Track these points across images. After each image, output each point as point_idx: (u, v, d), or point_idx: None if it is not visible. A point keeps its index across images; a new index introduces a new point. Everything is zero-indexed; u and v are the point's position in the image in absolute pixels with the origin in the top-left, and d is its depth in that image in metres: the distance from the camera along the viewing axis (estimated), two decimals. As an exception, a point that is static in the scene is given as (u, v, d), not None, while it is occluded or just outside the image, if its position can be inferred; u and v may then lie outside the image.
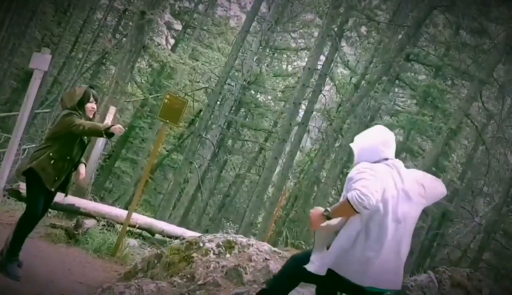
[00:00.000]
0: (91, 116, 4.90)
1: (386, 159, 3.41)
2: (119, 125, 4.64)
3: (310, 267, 3.33)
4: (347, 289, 3.44)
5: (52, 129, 5.00)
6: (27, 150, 13.07)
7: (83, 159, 5.01)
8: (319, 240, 3.43)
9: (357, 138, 3.59)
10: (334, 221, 3.33)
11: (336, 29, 17.67)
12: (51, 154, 4.68)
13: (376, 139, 3.47)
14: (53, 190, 4.81)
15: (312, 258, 3.38)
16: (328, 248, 3.33)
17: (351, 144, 3.59)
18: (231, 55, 19.95)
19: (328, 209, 3.23)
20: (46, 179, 4.67)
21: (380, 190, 3.14)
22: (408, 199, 3.31)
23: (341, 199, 3.33)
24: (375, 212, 3.18)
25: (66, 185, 4.95)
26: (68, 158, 4.78)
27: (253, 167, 25.37)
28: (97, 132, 4.80)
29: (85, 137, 4.88)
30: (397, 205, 3.25)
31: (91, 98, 4.86)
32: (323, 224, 3.32)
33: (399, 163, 3.44)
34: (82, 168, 4.99)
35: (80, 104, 4.81)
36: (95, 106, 4.93)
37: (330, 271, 3.29)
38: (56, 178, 4.75)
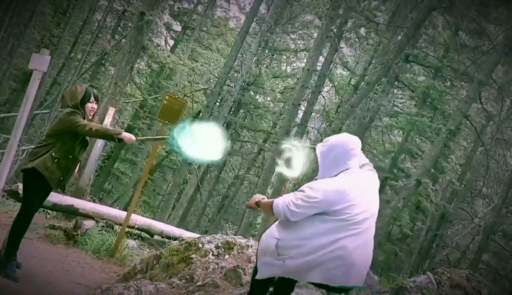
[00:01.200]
0: (90, 116, 4.87)
1: (347, 169, 3.50)
2: (132, 136, 4.70)
3: (258, 275, 3.56)
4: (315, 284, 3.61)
5: (54, 127, 4.92)
6: (26, 151, 13.05)
7: None
8: (260, 249, 3.64)
9: (325, 147, 3.58)
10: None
11: (335, 30, 17.67)
12: (53, 154, 4.64)
13: (342, 153, 3.51)
14: (58, 188, 4.82)
15: (257, 265, 3.59)
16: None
17: (318, 146, 3.62)
18: (230, 56, 19.95)
19: (262, 200, 3.65)
20: (50, 179, 4.65)
21: (308, 213, 3.35)
22: (372, 199, 3.49)
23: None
24: (341, 221, 3.32)
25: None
26: (71, 156, 4.75)
27: (252, 168, 25.33)
28: (106, 136, 4.88)
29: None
30: (359, 208, 3.38)
31: (92, 98, 4.84)
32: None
33: (358, 170, 3.56)
34: None
35: (81, 103, 4.79)
36: (95, 106, 4.91)
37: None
38: (62, 178, 4.74)
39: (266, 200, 3.68)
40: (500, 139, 19.73)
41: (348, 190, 3.36)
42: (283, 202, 3.43)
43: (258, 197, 3.75)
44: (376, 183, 3.64)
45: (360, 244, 3.36)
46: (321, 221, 3.35)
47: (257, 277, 3.56)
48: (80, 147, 4.82)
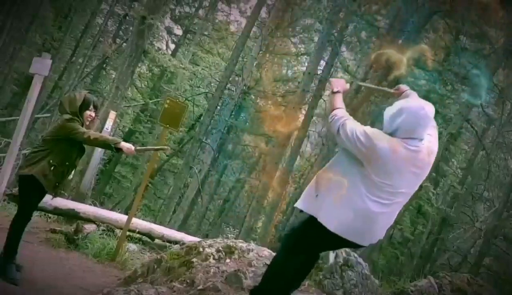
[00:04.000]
0: (87, 123, 4.87)
1: (407, 138, 3.34)
2: (131, 146, 4.69)
3: (322, 219, 3.35)
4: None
5: (51, 132, 4.85)
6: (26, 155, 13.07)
7: None
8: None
9: (401, 109, 3.40)
10: None
11: (336, 34, 17.69)
12: (51, 161, 4.63)
13: (422, 129, 3.36)
14: (53, 193, 4.83)
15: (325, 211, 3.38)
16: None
17: (399, 103, 3.46)
18: (231, 60, 19.99)
19: (336, 94, 3.66)
20: (47, 185, 4.66)
21: (347, 147, 3.34)
22: (415, 175, 3.37)
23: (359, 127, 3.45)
24: (375, 183, 3.26)
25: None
26: (68, 163, 4.75)
27: (253, 171, 25.33)
28: (105, 145, 4.84)
29: None
30: (395, 181, 3.29)
31: (91, 106, 4.83)
32: None
33: (418, 143, 3.37)
34: None
35: (80, 110, 4.78)
36: (93, 114, 4.89)
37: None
38: (57, 184, 4.75)
39: (339, 99, 3.66)
40: (501, 143, 19.71)
41: (391, 160, 3.25)
42: (340, 117, 3.40)
43: (342, 85, 3.75)
44: (429, 160, 3.41)
45: (386, 212, 3.34)
46: (357, 170, 3.31)
47: (295, 205, 3.51)
48: (77, 154, 4.82)
